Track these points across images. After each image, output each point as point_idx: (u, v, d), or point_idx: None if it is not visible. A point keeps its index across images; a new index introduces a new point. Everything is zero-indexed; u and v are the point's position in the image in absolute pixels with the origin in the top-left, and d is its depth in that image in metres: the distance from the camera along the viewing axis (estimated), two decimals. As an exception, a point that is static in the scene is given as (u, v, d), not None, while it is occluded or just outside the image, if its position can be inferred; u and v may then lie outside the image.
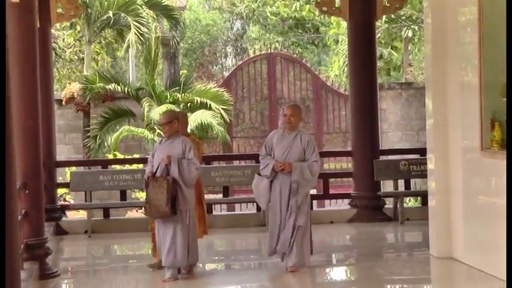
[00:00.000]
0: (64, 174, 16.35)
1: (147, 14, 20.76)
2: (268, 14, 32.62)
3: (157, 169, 8.78)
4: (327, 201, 16.21)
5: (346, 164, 18.14)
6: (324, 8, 13.45)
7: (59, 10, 12.91)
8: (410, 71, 24.71)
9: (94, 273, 10.04)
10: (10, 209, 6.08)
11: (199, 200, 9.30)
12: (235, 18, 35.47)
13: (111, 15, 20.60)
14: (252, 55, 22.22)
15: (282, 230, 8.97)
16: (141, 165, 14.07)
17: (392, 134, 20.43)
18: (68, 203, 15.88)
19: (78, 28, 23.11)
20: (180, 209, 8.66)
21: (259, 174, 9.13)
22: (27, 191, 8.95)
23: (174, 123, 8.75)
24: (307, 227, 9.11)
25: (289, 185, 8.87)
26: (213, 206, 13.27)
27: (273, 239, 9.05)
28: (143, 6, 20.61)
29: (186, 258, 8.80)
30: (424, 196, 12.62)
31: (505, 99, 8.44)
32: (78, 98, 19.17)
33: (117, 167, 15.00)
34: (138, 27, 20.01)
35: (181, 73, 22.05)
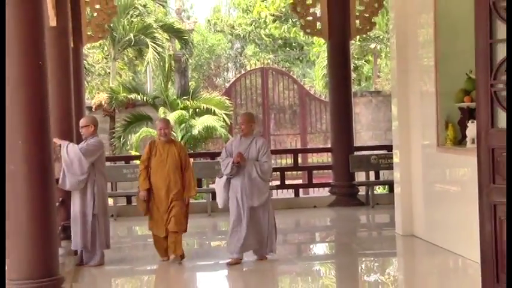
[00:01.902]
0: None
1: (161, 36, 20.83)
2: (262, 35, 32.61)
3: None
4: (310, 189, 16.16)
5: (326, 158, 18.04)
6: (308, 30, 13.43)
7: (89, 33, 12.87)
8: (379, 81, 24.68)
9: (119, 249, 10.00)
10: (49, 197, 6.09)
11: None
12: (235, 39, 35.41)
13: (132, 37, 20.62)
14: (248, 69, 22.20)
15: (249, 230, 8.22)
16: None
17: (364, 134, 20.41)
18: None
19: (105, 48, 23.10)
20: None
21: (220, 178, 8.65)
22: (63, 182, 8.90)
23: (90, 127, 8.44)
24: (273, 219, 8.45)
25: (247, 184, 8.29)
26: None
27: (240, 240, 8.28)
28: (158, 30, 20.68)
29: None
30: (390, 184, 12.61)
31: (457, 104, 8.48)
32: (105, 105, 19.17)
33: (137, 161, 14.93)
34: (155, 47, 20.07)
35: (190, 84, 21.99)
